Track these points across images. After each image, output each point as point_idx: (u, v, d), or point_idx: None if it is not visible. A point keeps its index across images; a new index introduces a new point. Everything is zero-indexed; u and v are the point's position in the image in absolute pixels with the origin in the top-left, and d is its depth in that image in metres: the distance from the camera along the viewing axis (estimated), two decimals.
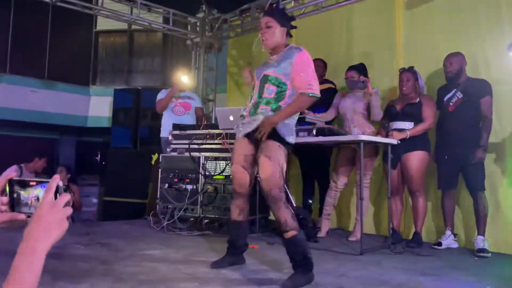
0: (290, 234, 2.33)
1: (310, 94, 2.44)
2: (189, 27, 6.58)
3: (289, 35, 2.66)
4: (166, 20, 6.40)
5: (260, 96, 2.52)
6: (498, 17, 3.73)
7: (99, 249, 3.03)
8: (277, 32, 2.55)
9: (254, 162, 2.57)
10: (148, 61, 8.92)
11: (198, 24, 6.53)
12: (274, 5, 2.64)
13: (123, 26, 8.15)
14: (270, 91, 2.49)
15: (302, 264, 2.33)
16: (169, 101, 4.80)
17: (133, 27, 8.13)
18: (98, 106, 8.59)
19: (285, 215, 2.33)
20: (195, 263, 2.71)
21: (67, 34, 8.27)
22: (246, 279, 2.42)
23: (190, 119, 4.89)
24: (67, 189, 5.76)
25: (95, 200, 8.35)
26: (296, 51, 2.52)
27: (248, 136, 2.57)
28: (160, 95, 4.90)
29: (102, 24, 8.77)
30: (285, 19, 2.61)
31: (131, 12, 5.93)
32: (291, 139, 2.50)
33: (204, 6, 6.42)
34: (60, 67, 8.21)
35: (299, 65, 2.48)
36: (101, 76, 9.05)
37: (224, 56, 6.72)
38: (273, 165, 2.36)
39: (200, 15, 6.48)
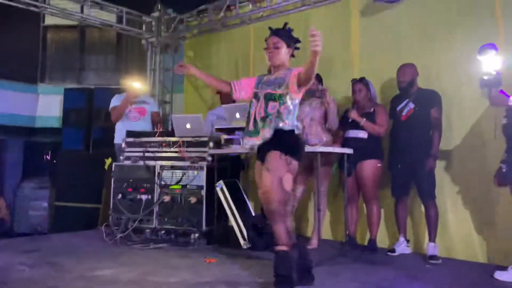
0: (279, 248, 2.38)
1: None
2: (144, 26, 6.36)
3: (292, 56, 2.82)
4: (119, 19, 6.14)
5: (266, 111, 2.64)
6: (450, 29, 3.84)
7: (46, 270, 2.85)
8: (282, 52, 2.72)
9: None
10: (101, 59, 8.53)
11: (153, 23, 6.32)
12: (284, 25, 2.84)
13: (74, 21, 7.77)
14: (272, 107, 2.63)
15: (281, 281, 2.33)
16: (125, 110, 4.59)
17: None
18: (47, 106, 8.12)
19: (280, 230, 2.38)
20: (150, 285, 2.61)
21: (11, 29, 7.76)
22: None
23: (145, 125, 4.73)
24: None
25: (45, 204, 7.98)
26: (294, 68, 2.71)
27: (259, 153, 2.66)
28: (114, 102, 4.68)
29: (51, 18, 8.31)
30: (292, 41, 2.77)
31: (82, 10, 5.64)
32: (298, 148, 2.62)
33: (159, 5, 6.22)
34: (4, 64, 7.69)
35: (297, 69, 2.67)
36: (50, 73, 8.55)
37: (181, 57, 6.55)
38: (271, 177, 2.41)
39: (155, 14, 6.27)
